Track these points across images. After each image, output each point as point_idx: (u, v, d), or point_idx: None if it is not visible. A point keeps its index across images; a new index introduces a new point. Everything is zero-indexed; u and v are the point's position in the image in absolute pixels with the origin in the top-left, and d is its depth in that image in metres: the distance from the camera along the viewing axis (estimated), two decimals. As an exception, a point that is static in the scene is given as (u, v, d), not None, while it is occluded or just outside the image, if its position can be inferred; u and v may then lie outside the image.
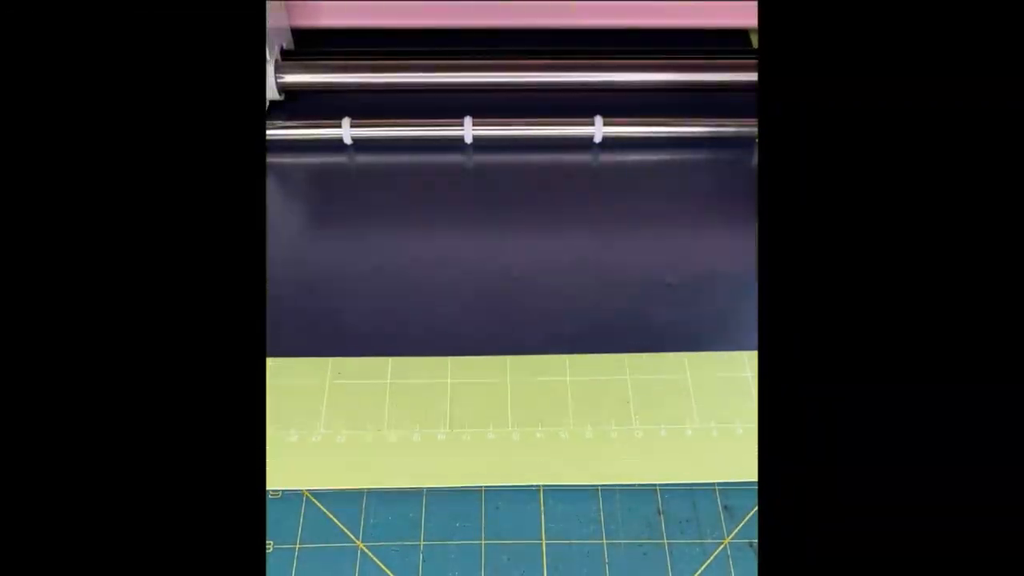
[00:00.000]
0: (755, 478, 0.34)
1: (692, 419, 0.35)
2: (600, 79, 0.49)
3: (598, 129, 0.47)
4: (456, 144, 0.48)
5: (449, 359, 0.37)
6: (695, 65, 0.49)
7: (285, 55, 0.49)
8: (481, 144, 0.48)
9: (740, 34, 0.54)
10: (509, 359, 0.37)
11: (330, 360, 0.37)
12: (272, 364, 0.37)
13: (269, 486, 0.33)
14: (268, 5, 0.45)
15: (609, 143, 0.48)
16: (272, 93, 0.48)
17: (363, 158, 0.48)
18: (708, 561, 0.32)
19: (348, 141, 0.47)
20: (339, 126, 0.47)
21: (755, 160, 0.48)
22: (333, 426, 0.35)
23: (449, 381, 0.36)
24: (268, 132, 0.47)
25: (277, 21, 0.48)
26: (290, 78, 0.48)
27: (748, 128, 0.47)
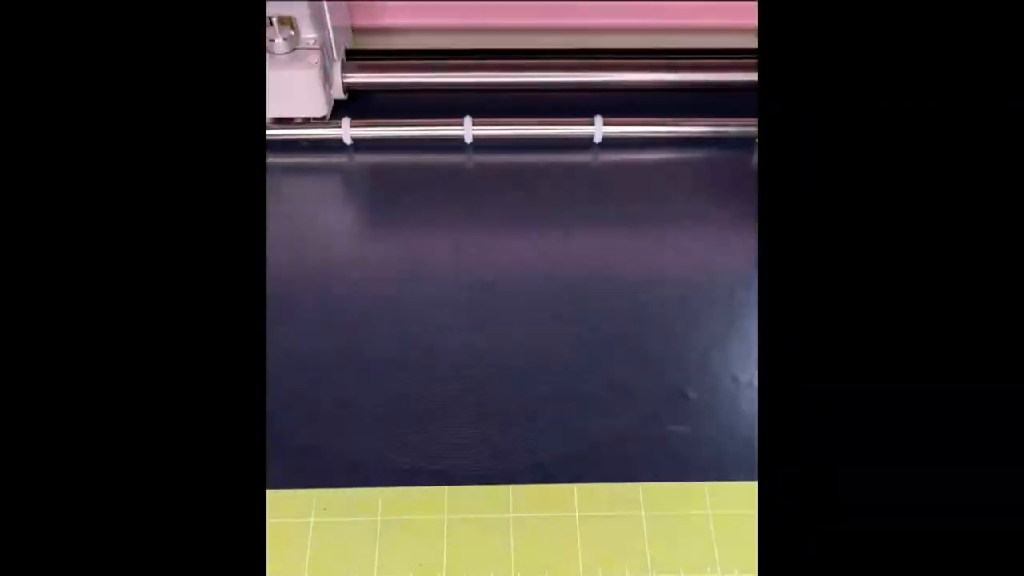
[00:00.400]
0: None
1: (715, 567, 0.32)
2: (600, 79, 0.49)
3: (598, 129, 0.47)
4: (456, 144, 0.48)
5: (446, 489, 0.34)
6: (695, 65, 0.49)
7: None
8: (481, 144, 0.48)
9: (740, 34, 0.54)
10: (511, 489, 0.34)
11: (315, 493, 0.33)
12: None
13: None
14: (332, 5, 0.45)
15: (609, 143, 0.48)
16: (337, 92, 0.47)
17: (363, 158, 0.48)
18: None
19: (348, 141, 0.47)
20: (339, 126, 0.47)
21: (755, 160, 0.48)
22: None
23: (446, 517, 0.33)
24: (268, 132, 0.47)
25: (340, 20, 0.48)
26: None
27: (748, 128, 0.47)
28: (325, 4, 0.43)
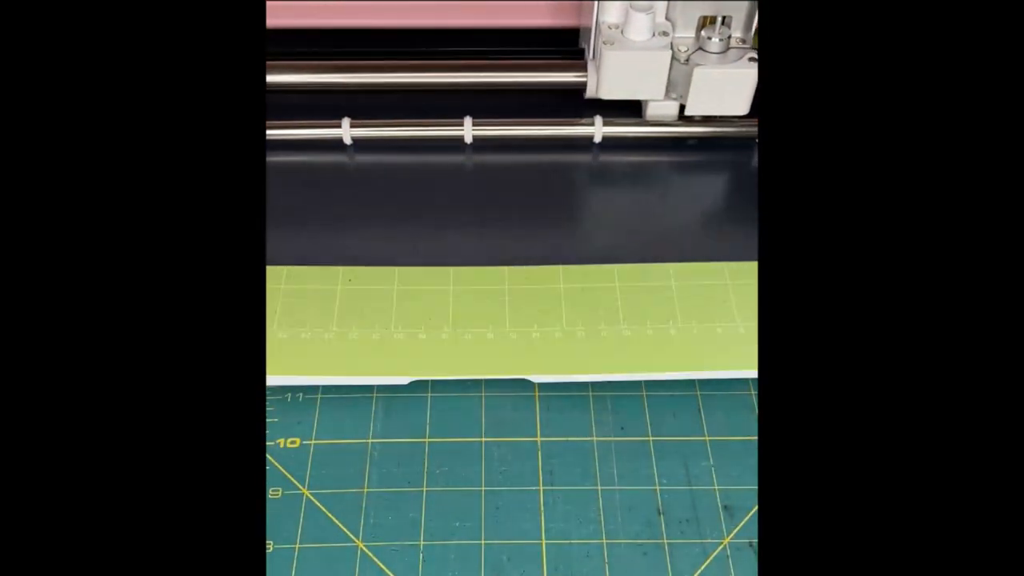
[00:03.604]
0: (732, 370, 0.36)
1: (675, 320, 0.38)
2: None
3: (598, 129, 0.47)
4: (456, 144, 0.48)
5: (451, 269, 0.40)
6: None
7: (284, 55, 0.49)
8: (481, 144, 0.48)
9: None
10: (507, 269, 0.40)
11: (340, 268, 0.40)
12: (287, 271, 0.40)
13: (281, 374, 0.35)
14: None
15: (609, 143, 0.48)
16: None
17: (363, 158, 0.48)
18: (708, 561, 0.32)
19: (348, 141, 0.47)
20: (339, 126, 0.47)
21: (755, 160, 0.48)
22: (345, 325, 0.38)
23: (451, 288, 0.39)
24: (268, 132, 0.47)
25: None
26: (290, 78, 0.48)
27: (748, 128, 0.47)
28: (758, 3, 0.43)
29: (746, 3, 0.43)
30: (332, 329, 0.37)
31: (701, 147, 0.48)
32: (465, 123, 0.47)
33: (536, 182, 0.46)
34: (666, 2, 0.44)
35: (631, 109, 0.48)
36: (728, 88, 0.44)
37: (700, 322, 0.38)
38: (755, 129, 0.47)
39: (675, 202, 0.46)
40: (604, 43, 0.44)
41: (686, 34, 0.44)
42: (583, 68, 0.47)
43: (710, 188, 0.46)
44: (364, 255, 0.42)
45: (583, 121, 0.47)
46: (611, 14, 0.44)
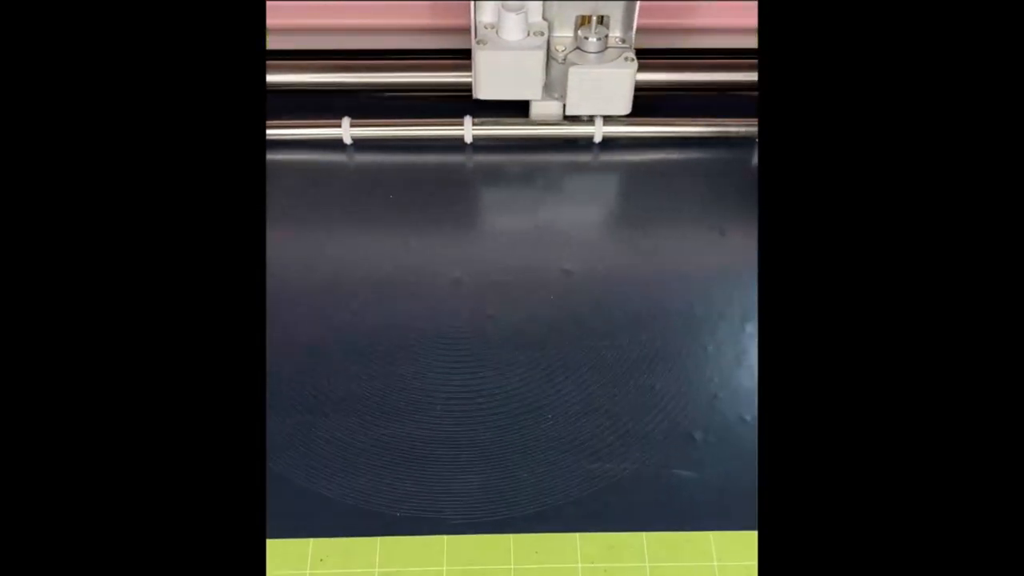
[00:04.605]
0: None
1: None
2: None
3: (598, 129, 0.47)
4: (456, 144, 0.48)
5: (445, 538, 0.32)
6: (695, 65, 0.49)
7: (285, 55, 0.49)
8: (481, 144, 0.48)
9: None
10: (512, 538, 0.32)
11: (311, 542, 0.32)
12: None
13: None
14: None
15: (609, 143, 0.48)
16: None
17: (363, 158, 0.48)
18: None
19: (348, 141, 0.47)
20: (339, 126, 0.47)
21: (755, 160, 0.48)
22: None
23: (445, 568, 0.31)
24: (268, 132, 0.47)
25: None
26: (290, 78, 0.48)
27: (748, 128, 0.47)
28: (637, 4, 0.43)
29: (623, 3, 0.43)
30: None
31: (701, 147, 0.48)
32: (465, 123, 0.47)
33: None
34: (542, 1, 0.43)
35: (517, 109, 0.47)
36: (607, 88, 0.44)
37: None
38: (755, 129, 0.47)
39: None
40: (478, 43, 0.43)
41: (565, 34, 0.44)
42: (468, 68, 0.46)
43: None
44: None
45: (583, 121, 0.47)
46: (487, 14, 0.43)
